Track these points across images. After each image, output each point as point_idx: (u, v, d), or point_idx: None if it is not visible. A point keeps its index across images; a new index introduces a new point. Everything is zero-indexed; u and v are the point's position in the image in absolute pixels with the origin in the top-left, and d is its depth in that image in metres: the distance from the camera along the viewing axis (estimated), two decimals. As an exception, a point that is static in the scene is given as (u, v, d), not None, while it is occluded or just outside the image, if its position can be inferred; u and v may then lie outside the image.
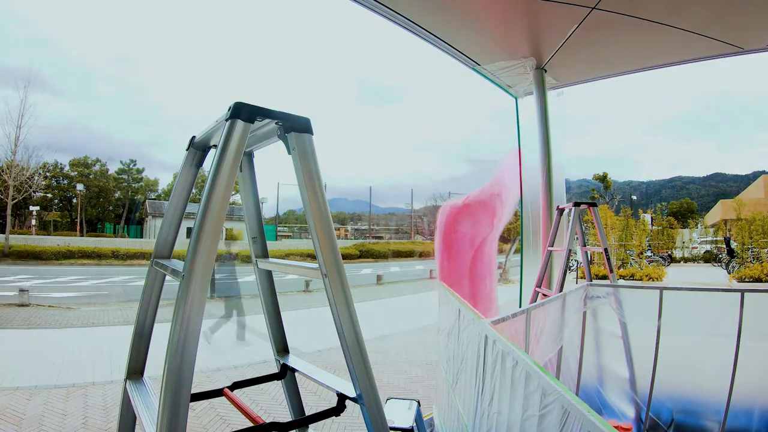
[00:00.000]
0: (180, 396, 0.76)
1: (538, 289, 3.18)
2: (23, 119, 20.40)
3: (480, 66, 3.27)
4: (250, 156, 1.23)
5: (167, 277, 1.07)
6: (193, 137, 1.10)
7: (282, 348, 1.32)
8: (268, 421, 0.99)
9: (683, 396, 2.57)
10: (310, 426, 1.28)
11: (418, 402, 2.16)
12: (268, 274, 1.28)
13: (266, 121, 0.92)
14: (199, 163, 1.13)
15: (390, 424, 1.92)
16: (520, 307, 3.24)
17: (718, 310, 2.44)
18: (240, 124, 0.83)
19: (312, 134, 0.95)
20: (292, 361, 1.28)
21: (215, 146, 0.95)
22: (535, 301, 3.01)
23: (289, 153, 0.95)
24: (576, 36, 2.79)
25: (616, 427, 2.55)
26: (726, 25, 2.66)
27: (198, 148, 1.11)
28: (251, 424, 0.98)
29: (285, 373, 1.29)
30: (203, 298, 0.81)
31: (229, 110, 0.85)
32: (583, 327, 2.86)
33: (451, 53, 3.09)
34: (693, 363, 2.56)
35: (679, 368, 2.60)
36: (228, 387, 1.20)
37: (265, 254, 1.27)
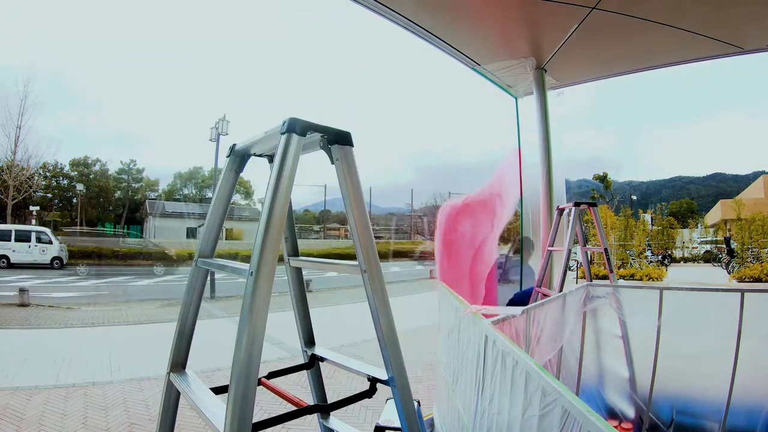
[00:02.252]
0: (249, 384, 0.83)
1: (538, 289, 3.18)
2: (23, 119, 20.44)
3: (480, 66, 3.27)
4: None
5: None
6: (234, 145, 1.18)
7: (309, 340, 1.43)
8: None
9: (683, 396, 2.57)
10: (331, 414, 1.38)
11: (418, 402, 2.16)
12: (298, 272, 1.39)
13: (315, 134, 1.02)
14: (239, 169, 1.22)
15: (389, 424, 1.91)
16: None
17: (718, 310, 2.44)
18: (295, 137, 0.93)
19: (353, 146, 1.06)
20: (319, 351, 1.39)
21: (255, 155, 1.16)
22: (535, 301, 3.01)
23: (332, 163, 1.06)
24: (576, 36, 2.79)
25: (616, 427, 2.55)
26: (726, 25, 2.66)
27: (238, 156, 1.20)
28: (293, 408, 1.05)
29: (313, 363, 1.40)
30: (269, 293, 0.89)
31: (284, 124, 0.94)
32: (583, 327, 2.86)
33: (451, 53, 3.09)
34: (693, 363, 2.56)
35: (679, 368, 2.60)
36: (264, 377, 1.26)
37: (295, 253, 1.38)
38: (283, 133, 0.93)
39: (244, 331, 0.84)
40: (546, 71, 3.36)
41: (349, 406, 1.15)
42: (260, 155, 1.23)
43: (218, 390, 1.08)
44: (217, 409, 0.90)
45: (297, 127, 0.94)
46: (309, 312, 1.44)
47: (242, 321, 0.85)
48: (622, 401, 2.77)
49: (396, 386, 1.08)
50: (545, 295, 3.01)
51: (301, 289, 1.42)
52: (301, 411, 1.06)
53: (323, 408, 1.17)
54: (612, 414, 2.78)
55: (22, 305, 9.31)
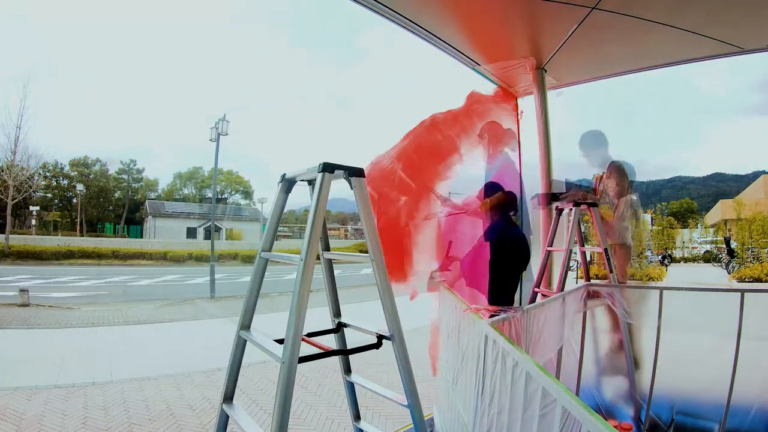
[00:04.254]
0: (298, 334, 1.26)
1: (537, 289, 3.18)
2: (23, 119, 20.45)
3: (480, 66, 3.27)
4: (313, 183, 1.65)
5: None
6: (284, 174, 1.63)
7: (336, 312, 1.87)
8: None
9: (683, 396, 2.57)
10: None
11: None
12: (329, 262, 1.82)
13: (339, 171, 1.45)
14: (289, 191, 1.65)
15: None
16: (520, 306, 3.24)
17: (718, 310, 2.44)
18: (327, 176, 1.39)
19: (364, 177, 1.52)
20: (343, 320, 1.84)
21: (301, 180, 1.64)
22: (535, 301, 3.01)
23: (352, 188, 1.51)
24: (576, 36, 2.79)
25: (616, 427, 2.56)
26: (726, 25, 2.66)
27: (287, 181, 1.64)
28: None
29: (339, 328, 1.83)
30: (312, 272, 1.30)
31: (320, 166, 1.39)
32: (583, 327, 2.87)
33: (451, 53, 3.09)
34: (693, 363, 2.56)
35: (679, 368, 2.60)
36: (305, 335, 1.58)
37: (327, 248, 1.80)
38: (320, 172, 1.38)
39: (296, 298, 1.26)
40: (546, 71, 3.36)
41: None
42: (302, 181, 1.67)
43: (278, 341, 1.40)
44: (277, 349, 1.30)
45: (328, 168, 1.39)
46: (337, 292, 1.88)
47: (295, 290, 1.26)
48: (622, 401, 2.78)
49: (395, 340, 1.53)
50: (545, 295, 3.01)
51: (331, 275, 1.86)
52: (331, 352, 1.48)
53: (344, 351, 1.66)
54: (612, 414, 2.79)
55: (23, 305, 9.31)
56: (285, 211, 1.80)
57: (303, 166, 1.54)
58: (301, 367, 1.64)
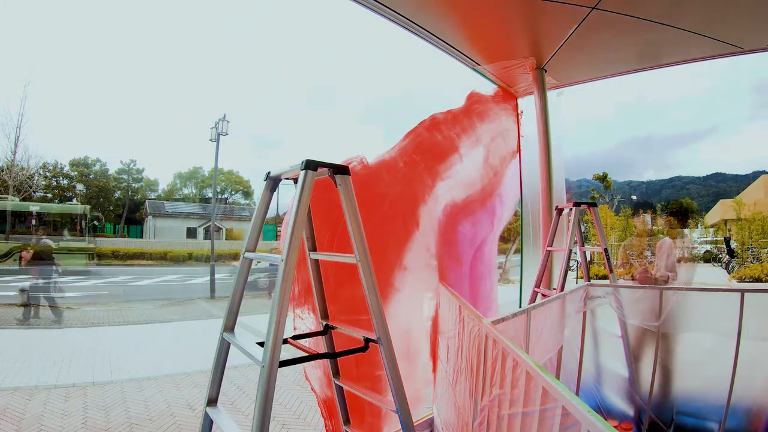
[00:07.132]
0: (279, 336, 1.21)
1: (537, 289, 3.18)
2: (23, 119, 20.44)
3: (480, 66, 3.27)
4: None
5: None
6: (269, 172, 1.60)
7: (324, 314, 1.80)
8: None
9: (683, 396, 2.57)
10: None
11: None
12: (316, 263, 1.78)
13: (324, 168, 1.43)
14: (274, 189, 1.61)
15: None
16: (520, 307, 3.24)
17: (718, 310, 2.44)
18: (310, 173, 1.35)
19: (349, 175, 1.48)
20: (331, 322, 1.79)
21: (286, 178, 1.58)
22: (535, 301, 3.01)
23: (337, 186, 1.47)
24: (576, 36, 2.79)
25: (616, 427, 2.55)
26: (726, 25, 2.66)
27: (272, 179, 1.61)
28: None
29: (327, 330, 1.78)
30: (293, 273, 1.26)
31: (302, 163, 1.34)
32: (583, 327, 2.86)
33: (451, 53, 3.09)
34: (693, 363, 2.56)
35: (680, 368, 2.60)
36: (291, 337, 1.62)
37: (314, 248, 1.78)
38: (302, 169, 1.33)
39: (276, 300, 1.22)
40: (546, 71, 3.36)
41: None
42: (287, 179, 1.63)
43: (259, 344, 1.37)
44: (258, 352, 1.26)
45: (311, 165, 1.35)
46: (324, 293, 1.79)
47: (276, 292, 1.23)
48: (622, 401, 2.78)
49: (382, 343, 1.49)
50: (545, 296, 3.01)
51: (318, 276, 1.77)
52: (316, 356, 1.48)
53: (331, 355, 1.66)
54: (612, 414, 2.79)
55: (23, 305, 9.30)
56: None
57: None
58: (300, 367, 1.65)
